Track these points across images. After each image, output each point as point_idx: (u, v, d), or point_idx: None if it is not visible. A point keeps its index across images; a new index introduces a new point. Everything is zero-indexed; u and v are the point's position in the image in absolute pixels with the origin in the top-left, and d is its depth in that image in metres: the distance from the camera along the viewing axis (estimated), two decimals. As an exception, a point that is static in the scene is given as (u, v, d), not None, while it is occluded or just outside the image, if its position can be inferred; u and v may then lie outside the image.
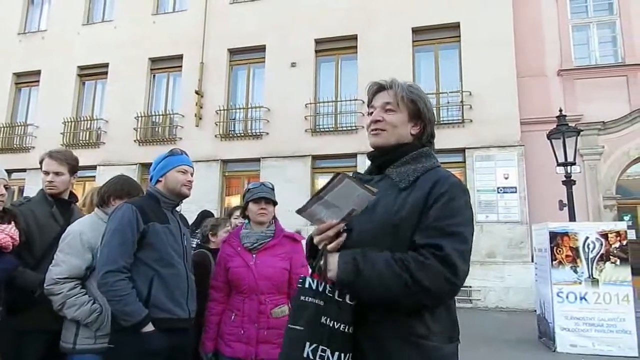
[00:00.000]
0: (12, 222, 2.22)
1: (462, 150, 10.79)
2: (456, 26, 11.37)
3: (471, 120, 10.80)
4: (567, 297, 6.18)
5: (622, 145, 10.40)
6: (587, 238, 6.25)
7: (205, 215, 4.40)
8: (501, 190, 10.33)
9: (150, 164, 2.43)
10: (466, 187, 1.37)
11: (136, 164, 13.05)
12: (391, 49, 11.51)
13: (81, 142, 13.79)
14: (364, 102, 11.07)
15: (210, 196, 11.86)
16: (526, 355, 6.06)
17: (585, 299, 6.11)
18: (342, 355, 1.21)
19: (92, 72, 14.55)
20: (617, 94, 10.54)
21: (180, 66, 13.53)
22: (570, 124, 8.27)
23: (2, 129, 14.80)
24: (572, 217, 7.57)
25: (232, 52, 13.25)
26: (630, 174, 10.79)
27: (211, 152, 12.51)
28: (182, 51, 13.51)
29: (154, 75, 14.09)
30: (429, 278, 1.19)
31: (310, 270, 1.39)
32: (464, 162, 10.77)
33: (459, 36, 11.33)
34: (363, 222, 1.34)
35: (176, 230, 2.30)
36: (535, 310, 7.13)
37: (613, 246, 6.14)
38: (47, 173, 2.54)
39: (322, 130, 11.93)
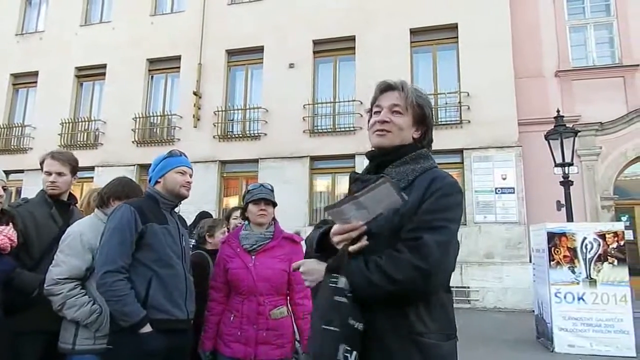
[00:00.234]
0: (10, 224, 2.22)
1: (460, 151, 10.80)
2: (454, 27, 11.39)
3: (469, 121, 10.82)
4: (565, 298, 6.19)
5: (619, 145, 10.43)
6: (584, 238, 6.26)
7: (203, 216, 4.39)
8: (499, 190, 10.35)
9: (149, 165, 2.44)
10: (461, 188, 1.39)
11: (134, 165, 13.03)
12: (389, 50, 11.53)
13: (79, 143, 13.76)
14: (362, 103, 11.12)
15: (209, 197, 11.85)
16: (524, 355, 6.07)
17: (583, 300, 6.13)
18: (357, 354, 1.22)
19: (90, 73, 14.53)
20: (614, 95, 10.57)
21: (178, 67, 13.52)
22: (567, 125, 8.29)
23: (0, 130, 14.77)
24: (569, 218, 7.59)
25: (230, 53, 13.25)
26: (628, 174, 10.82)
27: (209, 153, 12.50)
28: (180, 52, 13.50)
29: (152, 76, 14.08)
30: (397, 269, 1.21)
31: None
32: (462, 162, 10.79)
33: (457, 37, 11.35)
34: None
35: (175, 231, 2.30)
36: (533, 311, 7.14)
37: (611, 246, 6.16)
38: (49, 174, 2.53)
39: (320, 131, 11.94)
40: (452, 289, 1.41)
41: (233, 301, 2.54)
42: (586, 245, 6.24)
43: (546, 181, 9.61)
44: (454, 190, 1.34)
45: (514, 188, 10.28)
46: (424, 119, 1.47)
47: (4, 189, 2.27)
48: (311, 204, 11.69)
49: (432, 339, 1.27)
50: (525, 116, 10.73)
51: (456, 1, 11.34)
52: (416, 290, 1.24)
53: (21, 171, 13.49)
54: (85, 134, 14.00)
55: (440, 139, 10.27)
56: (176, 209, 2.49)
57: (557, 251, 6.32)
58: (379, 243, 1.29)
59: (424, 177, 1.36)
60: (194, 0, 13.66)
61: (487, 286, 9.95)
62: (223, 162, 12.67)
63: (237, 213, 3.55)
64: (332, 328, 1.20)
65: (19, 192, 13.27)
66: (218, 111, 12.72)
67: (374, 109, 1.50)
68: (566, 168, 7.87)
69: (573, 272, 6.21)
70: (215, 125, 12.67)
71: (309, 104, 12.05)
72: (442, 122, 10.99)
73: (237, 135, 12.63)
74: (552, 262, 6.31)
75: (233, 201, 12.14)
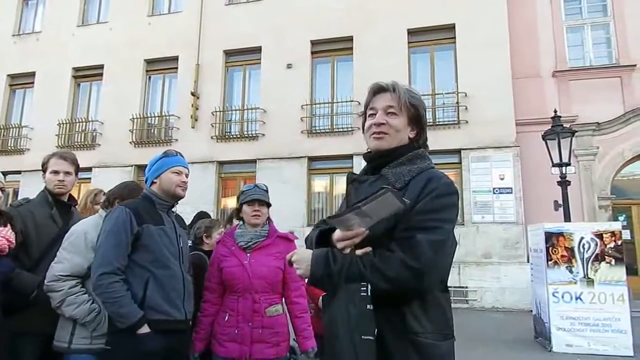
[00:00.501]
0: (8, 225, 2.21)
1: (457, 151, 10.82)
2: (451, 27, 11.41)
3: (467, 121, 10.84)
4: (562, 297, 6.20)
5: (616, 145, 10.46)
6: (582, 238, 6.28)
7: (201, 216, 4.37)
8: (497, 191, 10.37)
9: (146, 165, 2.43)
10: (456, 189, 1.39)
11: (132, 166, 13.01)
12: (387, 50, 11.54)
13: (76, 143, 13.72)
14: (359, 103, 11.12)
15: (206, 198, 11.84)
16: (522, 355, 6.08)
17: (581, 299, 6.14)
18: None
19: (87, 74, 14.50)
20: (611, 95, 10.60)
21: (176, 68, 13.51)
22: (565, 125, 8.32)
23: (-3, 130, 14.74)
24: (567, 218, 7.61)
25: (228, 53, 13.24)
26: (625, 174, 10.85)
27: (207, 154, 12.49)
28: (177, 52, 13.49)
29: (150, 77, 14.05)
30: (388, 266, 1.23)
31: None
32: (460, 163, 10.80)
33: (455, 37, 11.37)
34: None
35: (171, 232, 2.30)
36: (531, 311, 7.15)
37: (608, 246, 6.18)
38: (56, 173, 2.56)
39: (318, 131, 11.94)
40: (450, 288, 1.42)
41: (228, 300, 2.54)
42: (583, 245, 6.25)
43: (544, 181, 9.63)
44: (449, 191, 1.35)
45: (511, 188, 10.30)
46: (418, 119, 1.48)
47: (2, 190, 2.26)
48: (309, 205, 11.69)
49: (428, 338, 1.27)
50: (522, 116, 10.75)
51: (454, 1, 11.36)
52: (409, 288, 1.26)
53: (18, 172, 13.46)
54: (83, 134, 13.97)
55: (438, 139, 10.38)
56: (173, 209, 2.48)
57: (555, 251, 6.33)
58: (376, 243, 1.30)
59: (420, 177, 1.37)
60: (192, 1, 13.64)
61: (485, 286, 9.97)
62: (221, 163, 12.65)
63: None
64: (370, 337, 1.21)
65: (16, 193, 13.22)
66: (216, 112, 12.70)
67: (369, 112, 1.50)
68: (563, 168, 7.89)
69: (570, 271, 6.22)
70: (213, 126, 12.66)
71: (306, 105, 12.05)
72: (440, 123, 11.01)
73: (235, 136, 12.62)
74: (549, 262, 6.32)
75: (231, 202, 12.13)
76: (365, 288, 1.24)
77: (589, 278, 6.15)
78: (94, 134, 13.84)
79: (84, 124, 14.02)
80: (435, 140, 10.70)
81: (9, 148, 14.56)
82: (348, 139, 11.45)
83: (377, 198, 1.21)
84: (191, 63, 13.19)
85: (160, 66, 13.85)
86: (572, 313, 6.14)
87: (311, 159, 11.91)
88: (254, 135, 12.39)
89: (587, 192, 10.40)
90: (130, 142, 13.27)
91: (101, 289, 2.05)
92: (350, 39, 12.12)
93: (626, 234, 9.39)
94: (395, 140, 1.45)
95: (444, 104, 11.31)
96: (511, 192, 10.28)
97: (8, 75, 15.17)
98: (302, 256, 1.37)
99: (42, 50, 14.71)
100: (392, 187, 1.26)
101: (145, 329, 2.04)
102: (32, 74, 14.77)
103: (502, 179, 10.38)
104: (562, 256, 6.29)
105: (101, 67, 14.11)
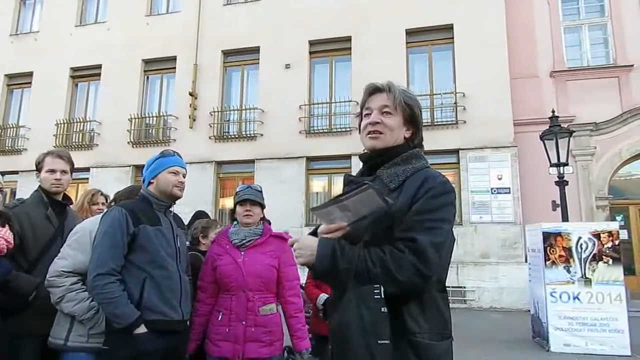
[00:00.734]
0: (7, 226, 2.20)
1: (455, 152, 10.84)
2: (449, 28, 11.42)
3: (465, 122, 10.85)
4: (560, 297, 6.21)
5: (614, 145, 10.49)
6: (579, 238, 6.29)
7: (198, 216, 4.34)
8: (495, 191, 10.38)
9: (144, 166, 2.42)
10: (452, 187, 1.40)
11: (129, 166, 12.99)
12: (385, 51, 11.55)
13: (74, 144, 13.68)
14: (358, 103, 11.08)
15: (205, 198, 11.83)
16: (520, 355, 6.09)
17: (579, 299, 6.15)
18: None
19: (85, 74, 14.47)
20: (608, 95, 10.63)
21: (174, 68, 13.49)
22: (562, 125, 8.32)
23: (-6, 131, 14.70)
24: (565, 218, 7.62)
25: (226, 53, 13.23)
26: (622, 174, 10.88)
27: (205, 154, 12.47)
28: (175, 53, 13.47)
29: (148, 77, 14.03)
30: (401, 270, 1.22)
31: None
32: (458, 163, 10.82)
33: (452, 38, 11.39)
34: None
35: (168, 232, 2.29)
36: (529, 310, 7.16)
37: (605, 246, 6.19)
38: (53, 171, 2.52)
39: (316, 131, 11.94)
40: (448, 288, 1.42)
41: (222, 299, 2.53)
42: (581, 244, 6.26)
43: (541, 181, 9.64)
44: (445, 189, 1.35)
45: (509, 188, 10.31)
46: (414, 118, 1.49)
47: (0, 191, 2.25)
48: (307, 205, 11.68)
49: (426, 338, 1.28)
50: (520, 116, 10.77)
51: (451, 2, 11.37)
52: (413, 290, 1.26)
53: (16, 172, 13.43)
54: (81, 134, 13.94)
55: (436, 140, 10.40)
56: (171, 209, 2.48)
57: (553, 251, 6.34)
58: (373, 241, 1.30)
59: (415, 177, 1.38)
60: (190, 1, 13.63)
61: (483, 286, 9.98)
62: (219, 163, 12.64)
63: None
64: (386, 342, 1.20)
65: (13, 193, 13.18)
66: (214, 112, 12.69)
67: (364, 112, 1.51)
68: (561, 168, 7.90)
69: (568, 271, 6.23)
70: (211, 126, 12.65)
71: (305, 105, 12.05)
72: (438, 123, 11.02)
73: (233, 136, 12.61)
74: (547, 262, 6.33)
75: (229, 202, 12.10)
76: (378, 290, 1.23)
77: (587, 278, 6.17)
78: (92, 134, 13.82)
79: (82, 124, 13.99)
80: (433, 140, 10.82)
81: (7, 148, 14.52)
82: (346, 139, 11.45)
83: (359, 193, 1.22)
84: (189, 63, 13.18)
85: (158, 66, 13.83)
86: (569, 313, 6.15)
87: (309, 159, 11.91)
88: (252, 135, 12.38)
89: (584, 192, 10.43)
90: (128, 142, 13.25)
91: (97, 290, 2.05)
92: (348, 39, 12.13)
93: (623, 234, 9.42)
94: (390, 140, 1.45)
95: (442, 104, 11.32)
96: (509, 192, 10.30)
97: (5, 75, 15.13)
98: (306, 243, 1.33)
99: (39, 50, 14.66)
100: (375, 184, 1.26)
101: (142, 330, 2.03)
102: (30, 74, 14.74)
103: (500, 179, 10.40)
104: (560, 256, 6.30)
105: (99, 67, 14.08)
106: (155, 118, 13.48)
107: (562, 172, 7.91)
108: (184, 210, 4.94)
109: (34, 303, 2.21)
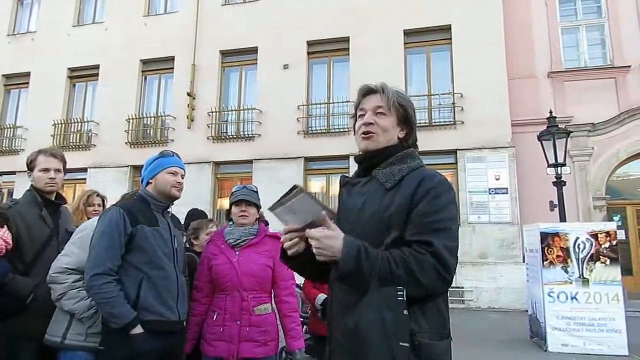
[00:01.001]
0: (5, 226, 2.19)
1: (453, 152, 10.85)
2: (447, 28, 11.44)
3: (462, 122, 10.87)
4: (558, 297, 6.22)
5: (611, 146, 10.52)
6: (577, 238, 6.30)
7: (193, 214, 4.28)
8: (492, 191, 10.40)
9: (142, 166, 2.42)
10: (451, 185, 1.41)
11: (127, 167, 12.96)
12: (383, 51, 11.56)
13: (72, 144, 13.66)
14: (356, 103, 11.11)
15: (203, 198, 11.80)
16: (518, 355, 6.10)
17: (576, 299, 6.16)
18: None
19: (83, 74, 14.44)
20: (606, 96, 10.67)
21: (172, 68, 13.47)
22: (560, 126, 8.34)
23: (-9, 131, 14.65)
24: (562, 218, 7.63)
25: (224, 53, 13.22)
26: (619, 174, 10.92)
27: (203, 154, 12.46)
28: (173, 53, 13.45)
29: (146, 77, 14.01)
30: (425, 274, 1.24)
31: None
32: (456, 163, 10.83)
33: (450, 38, 11.40)
34: (353, 224, 1.39)
35: (166, 233, 2.29)
36: (527, 311, 7.17)
37: (603, 246, 6.21)
38: (47, 170, 2.48)
39: (314, 132, 11.94)
40: (446, 289, 1.43)
41: (217, 299, 2.53)
42: (579, 245, 6.28)
43: (539, 181, 9.66)
44: (446, 188, 1.37)
45: (507, 188, 10.33)
46: (407, 119, 1.50)
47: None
48: (306, 205, 11.67)
49: (425, 338, 1.28)
50: (518, 117, 10.79)
51: (449, 2, 11.39)
52: (433, 293, 1.29)
53: (13, 172, 13.38)
54: (78, 135, 13.91)
55: (434, 140, 10.42)
56: (169, 210, 2.47)
57: (550, 251, 6.35)
58: (369, 239, 1.31)
59: (412, 175, 1.39)
60: (188, 1, 13.62)
61: (481, 286, 9.99)
62: (217, 163, 12.63)
63: None
64: (406, 345, 1.21)
65: (10, 193, 13.12)
66: (212, 112, 12.68)
67: (358, 113, 1.53)
68: (559, 168, 7.92)
69: (566, 271, 6.24)
70: (209, 126, 12.63)
71: (303, 105, 12.05)
72: (436, 123, 11.03)
73: (231, 136, 12.60)
74: (545, 262, 6.34)
75: (227, 202, 12.07)
76: (402, 292, 1.23)
77: (584, 278, 6.18)
78: (90, 134, 13.79)
79: (80, 124, 13.96)
80: (431, 140, 10.84)
81: (4, 148, 14.48)
82: (344, 139, 11.45)
83: (293, 197, 1.22)
84: (187, 63, 13.17)
85: (156, 66, 13.81)
86: (567, 313, 6.16)
87: (307, 160, 11.91)
88: (250, 135, 12.37)
89: (582, 192, 10.46)
90: (126, 143, 13.22)
91: (94, 290, 2.04)
92: (346, 40, 12.13)
93: (621, 234, 9.42)
94: (383, 140, 1.46)
95: (439, 104, 11.34)
96: (507, 193, 10.32)
97: (3, 75, 15.10)
98: (329, 243, 1.24)
99: (37, 50, 14.63)
100: (309, 192, 1.26)
101: (138, 330, 2.03)
102: (27, 74, 14.71)
103: (497, 179, 10.42)
104: (558, 256, 6.31)
105: (97, 67, 14.06)
106: (153, 118, 13.46)
107: (559, 172, 7.92)
108: (181, 210, 4.92)
109: (31, 305, 2.20)
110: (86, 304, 2.17)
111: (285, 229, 1.34)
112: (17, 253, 2.29)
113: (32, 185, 2.52)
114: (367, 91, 1.52)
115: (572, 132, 8.74)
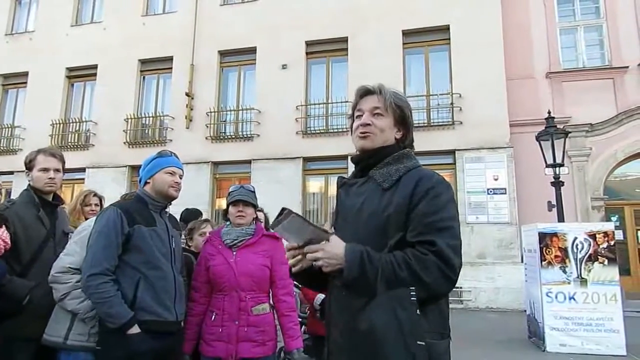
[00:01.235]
0: (3, 226, 2.18)
1: (452, 152, 10.86)
2: (446, 29, 11.45)
3: (461, 122, 10.88)
4: (556, 297, 6.23)
5: (609, 146, 10.54)
6: (575, 238, 6.31)
7: (188, 214, 4.26)
8: (491, 191, 10.41)
9: (140, 166, 2.41)
10: (449, 184, 1.42)
11: (126, 167, 12.95)
12: (381, 51, 11.56)
13: (70, 144, 13.64)
14: (354, 104, 11.10)
15: (201, 199, 11.78)
16: (517, 355, 6.10)
17: (574, 299, 6.17)
18: None
19: (81, 74, 14.42)
20: (604, 96, 10.69)
21: (171, 68, 13.46)
22: (558, 126, 8.36)
23: (-11, 131, 14.62)
24: (560, 218, 7.65)
25: (223, 54, 13.21)
26: (617, 175, 10.93)
27: (202, 154, 12.45)
28: (172, 53, 13.44)
29: (144, 77, 14.00)
30: (429, 273, 1.24)
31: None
32: (454, 163, 10.84)
33: (449, 39, 11.41)
34: (351, 225, 1.40)
35: (163, 233, 2.28)
36: (525, 311, 7.18)
37: (601, 246, 6.22)
38: (46, 170, 2.45)
39: (313, 132, 11.94)
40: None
41: (214, 299, 2.53)
42: (577, 245, 6.28)
43: (537, 182, 9.68)
44: (445, 187, 1.38)
45: (505, 189, 10.35)
46: (404, 120, 1.51)
47: (-1, 191, 2.22)
48: (304, 205, 11.69)
49: (426, 337, 1.27)
50: (516, 117, 10.81)
51: (448, 3, 11.40)
52: (439, 294, 1.30)
53: (11, 172, 13.35)
54: (76, 135, 13.89)
55: (433, 140, 10.43)
56: (167, 210, 2.47)
57: (549, 251, 6.36)
58: (368, 239, 1.32)
59: (409, 175, 1.39)
60: (186, 1, 13.61)
61: (479, 286, 10.00)
62: (216, 163, 12.62)
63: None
64: (423, 343, 1.23)
65: (8, 193, 13.10)
66: (210, 112, 12.67)
67: (356, 114, 1.54)
68: (557, 169, 7.93)
69: (564, 271, 6.25)
70: (207, 127, 12.62)
71: (301, 105, 12.05)
72: (435, 124, 11.03)
73: (229, 136, 12.59)
74: (543, 262, 6.35)
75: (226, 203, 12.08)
76: (414, 293, 1.24)
77: (583, 278, 6.19)
78: (88, 134, 13.77)
79: (78, 124, 13.94)
80: (430, 141, 10.85)
81: (2, 148, 14.46)
82: (343, 139, 11.44)
83: (284, 219, 1.24)
84: (186, 63, 13.15)
85: (155, 66, 13.80)
86: (565, 313, 6.17)
87: (306, 160, 11.91)
88: (249, 135, 12.37)
89: (580, 192, 10.48)
90: (125, 143, 13.20)
91: (91, 290, 2.04)
92: (345, 40, 12.14)
93: (619, 234, 9.47)
94: (380, 140, 1.47)
95: (438, 105, 11.35)
96: (505, 193, 10.33)
97: (1, 75, 15.07)
98: (333, 252, 1.27)
99: (35, 50, 14.60)
100: (297, 213, 1.26)
101: (135, 330, 2.03)
102: (25, 74, 14.67)
103: (496, 179, 10.43)
104: (556, 256, 6.32)
105: (95, 67, 14.04)
106: (151, 118, 13.45)
107: (557, 172, 7.93)
108: (179, 210, 4.92)
109: (28, 306, 2.18)
110: (90, 304, 2.16)
111: (287, 247, 1.37)
112: (14, 254, 2.26)
113: (29, 185, 2.50)
114: (364, 92, 1.53)
115: (570, 132, 8.76)
